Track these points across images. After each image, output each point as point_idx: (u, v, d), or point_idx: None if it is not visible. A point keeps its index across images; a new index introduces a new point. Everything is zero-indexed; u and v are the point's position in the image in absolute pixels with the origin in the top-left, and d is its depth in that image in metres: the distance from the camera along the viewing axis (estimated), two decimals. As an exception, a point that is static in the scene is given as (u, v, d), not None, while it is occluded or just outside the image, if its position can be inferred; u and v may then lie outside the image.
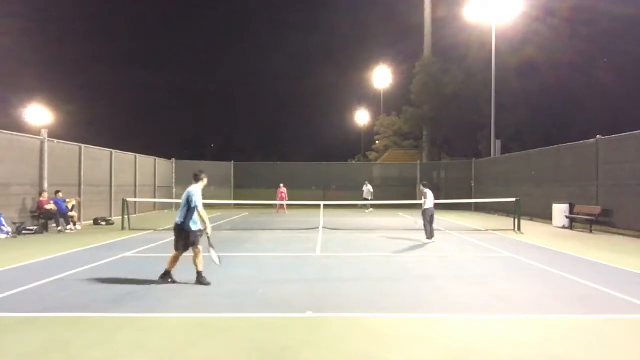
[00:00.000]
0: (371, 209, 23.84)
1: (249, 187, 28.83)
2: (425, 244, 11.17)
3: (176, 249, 6.80)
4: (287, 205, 23.75)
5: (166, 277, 6.79)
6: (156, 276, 7.38)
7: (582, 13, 28.35)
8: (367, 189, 23.64)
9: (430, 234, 11.41)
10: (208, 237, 6.75)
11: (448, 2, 33.18)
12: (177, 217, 6.84)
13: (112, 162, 19.12)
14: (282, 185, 23.30)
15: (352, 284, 6.83)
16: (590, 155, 14.84)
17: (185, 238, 6.69)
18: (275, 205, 23.48)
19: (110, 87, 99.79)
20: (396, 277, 7.38)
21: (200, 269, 6.70)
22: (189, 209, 6.67)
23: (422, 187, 11.86)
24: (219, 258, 6.98)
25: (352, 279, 7.18)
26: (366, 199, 23.05)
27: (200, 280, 6.66)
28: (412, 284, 6.87)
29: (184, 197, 6.75)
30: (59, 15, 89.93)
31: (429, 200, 11.40)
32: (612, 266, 8.30)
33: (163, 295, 6.11)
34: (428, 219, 11.41)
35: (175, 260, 6.81)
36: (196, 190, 6.77)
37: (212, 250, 6.82)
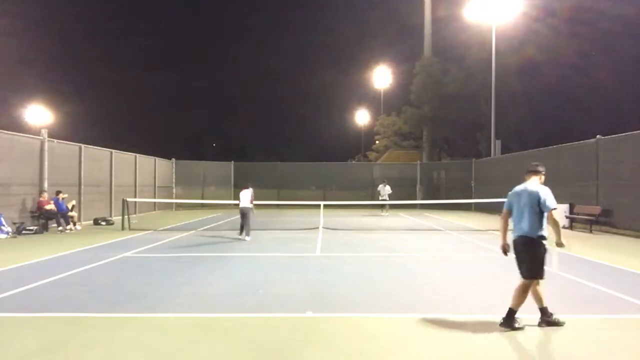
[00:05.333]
0: (387, 212, 21.83)
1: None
2: (240, 240, 11.70)
3: (529, 275, 4.77)
4: (288, 205, 23.95)
5: (546, 317, 4.82)
6: (156, 276, 7.39)
7: (582, 13, 28.33)
8: (385, 189, 21.28)
9: (240, 232, 11.99)
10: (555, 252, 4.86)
11: (448, 2, 33.23)
12: (520, 226, 4.85)
13: (112, 162, 19.13)
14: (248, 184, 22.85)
15: (352, 284, 6.83)
16: (590, 155, 14.84)
17: (537, 256, 4.74)
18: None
19: (111, 87, 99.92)
20: (396, 277, 7.37)
21: (545, 303, 4.83)
22: (541, 213, 4.74)
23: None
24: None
25: (352, 279, 7.18)
26: (384, 200, 21.17)
27: (548, 318, 4.80)
28: (412, 284, 6.87)
29: (528, 197, 4.82)
30: (59, 15, 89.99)
31: (241, 200, 12.09)
32: (612, 266, 8.30)
33: (163, 295, 6.11)
34: (241, 217, 11.99)
35: (525, 293, 4.81)
36: (547, 190, 4.86)
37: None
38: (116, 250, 10.03)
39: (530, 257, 4.75)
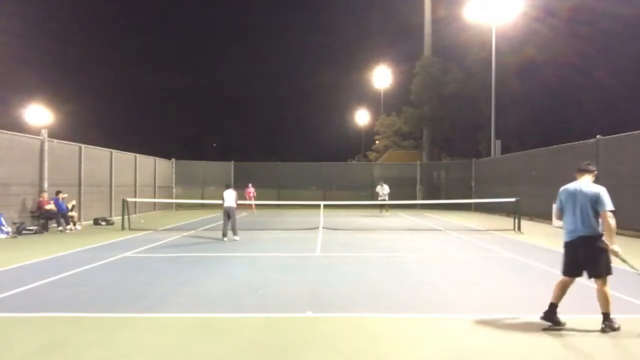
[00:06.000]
0: (388, 212, 21.76)
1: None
2: (224, 241, 11.47)
3: (604, 272, 4.73)
4: (288, 205, 24.11)
5: (551, 316, 4.77)
6: (156, 276, 7.39)
7: (582, 13, 28.35)
8: (383, 189, 21.08)
9: (224, 235, 11.73)
10: (620, 257, 4.76)
11: (448, 2, 33.24)
12: (576, 227, 4.80)
13: (112, 162, 19.13)
14: (250, 185, 22.61)
15: (352, 284, 6.83)
16: (590, 155, 14.79)
17: (604, 252, 4.68)
18: (249, 205, 21.91)
19: (110, 87, 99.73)
20: (396, 277, 7.37)
21: (611, 308, 4.65)
22: (598, 213, 4.64)
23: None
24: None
25: (352, 279, 7.18)
26: (384, 200, 20.95)
27: (609, 324, 4.59)
28: (412, 284, 6.87)
29: (585, 197, 4.69)
30: (59, 15, 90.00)
31: (226, 199, 11.86)
32: (611, 266, 8.28)
33: (163, 295, 6.11)
34: (225, 217, 11.83)
35: (564, 289, 4.92)
36: (605, 190, 4.71)
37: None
38: (116, 250, 10.03)
39: (596, 255, 4.64)
